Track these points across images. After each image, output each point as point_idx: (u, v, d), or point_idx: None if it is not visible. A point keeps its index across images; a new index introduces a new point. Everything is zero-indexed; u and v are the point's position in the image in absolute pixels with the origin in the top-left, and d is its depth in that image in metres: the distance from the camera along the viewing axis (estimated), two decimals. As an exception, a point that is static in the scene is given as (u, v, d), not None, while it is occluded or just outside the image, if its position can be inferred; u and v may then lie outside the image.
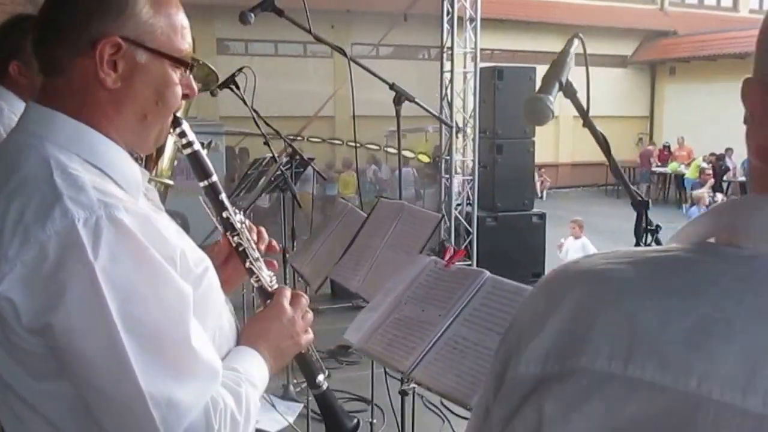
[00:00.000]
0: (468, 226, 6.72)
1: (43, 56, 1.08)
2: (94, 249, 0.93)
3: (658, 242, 1.56)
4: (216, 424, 1.02)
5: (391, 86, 2.94)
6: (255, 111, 3.97)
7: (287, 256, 3.61)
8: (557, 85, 1.44)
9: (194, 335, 1.01)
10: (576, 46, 1.53)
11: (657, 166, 17.34)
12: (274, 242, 1.41)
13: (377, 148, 15.17)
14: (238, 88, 3.92)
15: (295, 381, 4.27)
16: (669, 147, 17.78)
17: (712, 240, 0.59)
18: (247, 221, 1.35)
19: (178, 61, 1.11)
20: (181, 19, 1.13)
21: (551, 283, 0.64)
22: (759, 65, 0.58)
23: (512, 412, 0.60)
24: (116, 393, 0.97)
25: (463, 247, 6.57)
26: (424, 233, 1.96)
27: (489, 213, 6.81)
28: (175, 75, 1.12)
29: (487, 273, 1.74)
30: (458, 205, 6.81)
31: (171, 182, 2.00)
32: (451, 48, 6.51)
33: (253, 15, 2.51)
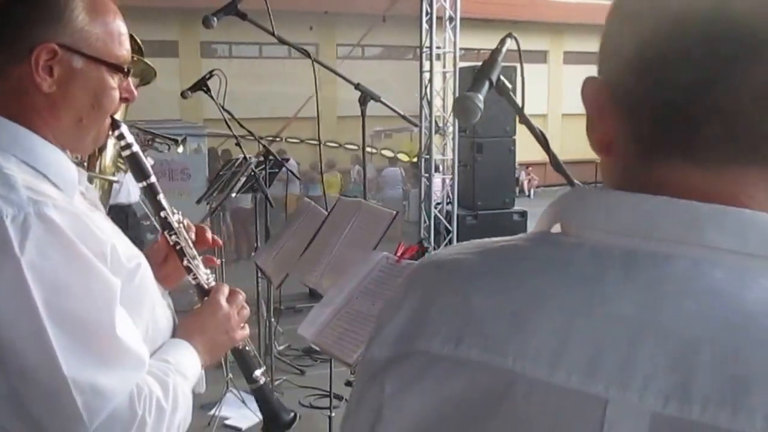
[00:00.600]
0: (448, 225, 6.76)
1: None
2: (20, 244, 0.98)
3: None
4: (140, 411, 1.06)
5: (356, 86, 2.98)
6: (228, 112, 4.01)
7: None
8: (487, 84, 1.47)
9: (120, 325, 1.06)
10: (509, 45, 1.57)
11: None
12: (217, 238, 1.47)
13: (356, 147, 15.22)
14: (208, 90, 3.94)
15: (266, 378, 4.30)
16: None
17: (556, 229, 0.62)
18: (186, 221, 1.40)
19: (114, 67, 1.16)
20: (119, 26, 1.19)
21: (412, 274, 0.67)
22: (598, 63, 0.61)
23: (362, 391, 0.63)
24: (42, 380, 1.00)
25: (443, 245, 6.60)
26: (379, 230, 1.99)
27: (469, 212, 6.85)
28: (112, 80, 1.18)
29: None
30: (438, 204, 6.85)
31: (115, 179, 2.04)
32: (430, 48, 6.55)
33: (215, 19, 2.54)
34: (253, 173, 4.52)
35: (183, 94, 3.92)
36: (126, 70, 1.19)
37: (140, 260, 1.17)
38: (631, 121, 0.58)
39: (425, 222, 6.86)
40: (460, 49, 6.67)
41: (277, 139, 12.20)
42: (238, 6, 2.57)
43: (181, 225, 1.36)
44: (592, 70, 0.62)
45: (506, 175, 7.07)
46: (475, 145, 6.81)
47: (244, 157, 4.54)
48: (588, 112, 0.61)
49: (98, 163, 1.91)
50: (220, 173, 4.76)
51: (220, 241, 1.48)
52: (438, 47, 6.62)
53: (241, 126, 4.05)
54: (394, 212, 2.06)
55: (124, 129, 1.27)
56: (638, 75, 0.56)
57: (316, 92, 2.89)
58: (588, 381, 0.51)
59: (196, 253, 1.38)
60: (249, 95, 12.68)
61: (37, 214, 1.00)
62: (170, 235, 1.35)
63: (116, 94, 1.19)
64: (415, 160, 10.52)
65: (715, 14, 0.53)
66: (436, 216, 6.82)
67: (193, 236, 1.39)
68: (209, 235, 1.43)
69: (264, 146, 4.44)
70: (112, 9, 1.19)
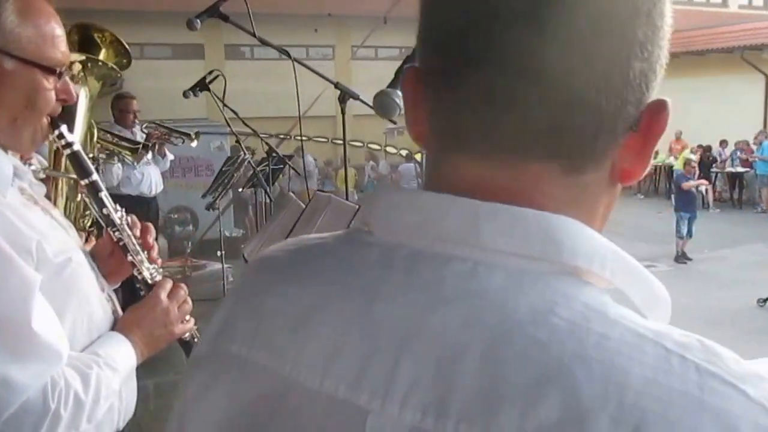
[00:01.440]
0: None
1: None
2: None
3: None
4: (53, 404, 1.07)
5: (336, 85, 3.17)
6: (233, 111, 4.21)
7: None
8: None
9: (36, 319, 1.07)
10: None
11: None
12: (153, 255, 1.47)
13: (360, 145, 15.38)
14: (209, 90, 4.16)
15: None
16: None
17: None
18: (130, 218, 1.43)
19: (46, 69, 1.19)
20: (53, 28, 1.21)
21: (245, 268, 0.67)
22: (416, 52, 0.56)
23: (184, 384, 0.62)
24: None
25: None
26: (344, 222, 2.19)
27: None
28: (47, 81, 1.20)
29: None
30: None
31: (73, 176, 2.12)
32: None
33: (199, 21, 2.70)
34: (253, 170, 4.71)
35: (185, 94, 4.16)
36: (59, 72, 1.21)
37: (71, 255, 1.21)
38: (432, 110, 0.54)
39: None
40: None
41: (297, 137, 12.52)
42: (221, 8, 2.74)
43: (124, 222, 1.40)
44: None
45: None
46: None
47: (244, 155, 4.72)
48: (403, 100, 0.58)
49: (63, 161, 1.95)
50: (222, 169, 4.98)
51: (158, 260, 1.48)
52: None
53: (246, 125, 4.24)
54: (357, 206, 2.20)
55: (63, 129, 1.30)
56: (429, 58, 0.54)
57: (297, 92, 3.10)
58: (354, 391, 0.48)
59: (140, 249, 1.40)
60: (269, 94, 13.43)
61: None
62: (113, 232, 1.39)
63: (51, 95, 1.21)
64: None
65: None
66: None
67: (138, 233, 1.42)
68: (151, 238, 1.45)
69: (267, 143, 4.62)
70: (45, 12, 1.21)
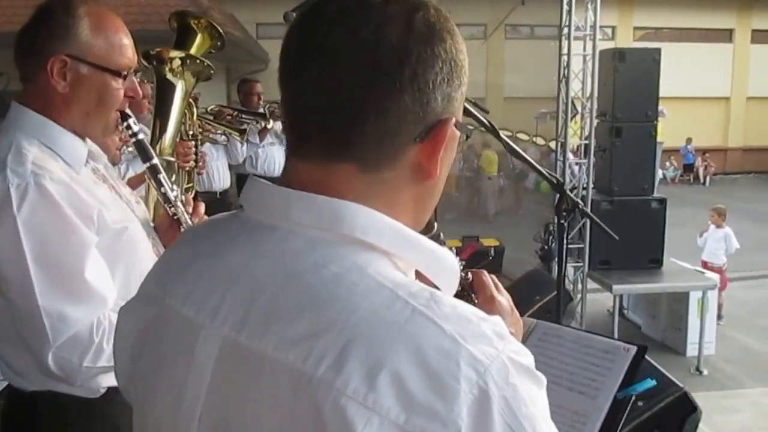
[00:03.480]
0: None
1: (20, 68, 1.48)
2: (19, 206, 1.32)
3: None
4: (97, 339, 1.35)
5: None
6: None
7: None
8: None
9: (89, 270, 1.37)
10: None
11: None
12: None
13: (509, 134, 14.94)
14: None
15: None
16: None
17: None
18: (185, 197, 1.71)
19: (114, 72, 1.48)
20: (120, 39, 1.50)
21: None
22: None
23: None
24: (23, 306, 1.36)
25: (576, 229, 6.54)
26: None
27: (605, 197, 6.71)
28: (115, 82, 1.48)
29: (532, 319, 1.54)
30: (574, 188, 6.77)
31: (172, 159, 2.33)
32: (569, 28, 6.45)
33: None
34: None
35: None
36: (124, 75, 1.49)
37: (128, 224, 1.48)
38: (283, 122, 0.78)
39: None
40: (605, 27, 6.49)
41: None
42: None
43: (178, 200, 1.65)
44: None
45: (645, 161, 6.80)
46: (614, 130, 6.64)
47: None
48: None
49: (160, 139, 2.26)
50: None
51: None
52: (578, 28, 6.48)
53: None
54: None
55: (131, 121, 1.59)
56: None
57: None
58: (197, 313, 0.74)
59: (191, 222, 1.65)
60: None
61: (35, 183, 1.34)
62: (169, 208, 1.65)
63: (119, 93, 1.50)
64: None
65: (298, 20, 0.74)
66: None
67: (190, 210, 1.68)
68: (201, 210, 1.72)
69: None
70: (114, 25, 1.49)
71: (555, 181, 1.69)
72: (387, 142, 0.71)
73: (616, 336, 5.46)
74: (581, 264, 6.59)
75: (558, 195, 1.65)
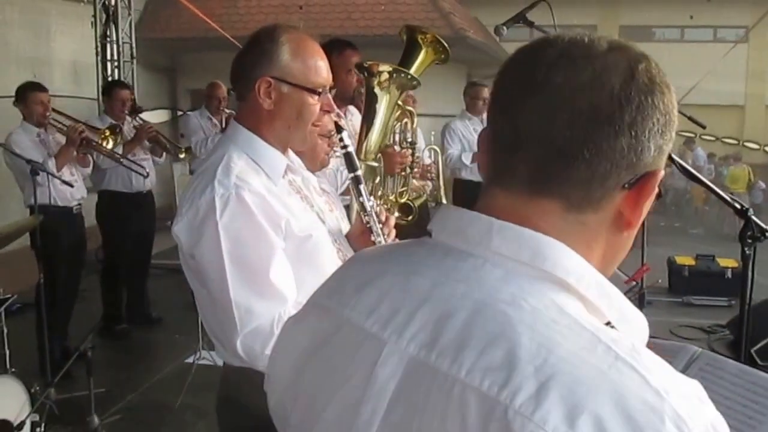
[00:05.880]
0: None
1: (236, 90, 1.75)
2: (221, 213, 1.55)
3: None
4: (277, 331, 1.51)
5: None
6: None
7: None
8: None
9: (274, 271, 1.57)
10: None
11: None
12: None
13: (735, 142, 13.52)
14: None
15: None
16: None
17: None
18: (380, 208, 1.87)
19: (311, 90, 1.68)
20: (316, 60, 1.70)
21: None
22: None
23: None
24: (218, 297, 1.58)
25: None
26: None
27: None
28: (311, 99, 1.69)
29: (696, 348, 1.51)
30: None
31: (376, 164, 2.48)
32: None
33: (505, 28, 2.80)
34: None
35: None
36: (319, 92, 1.69)
37: (312, 232, 1.67)
38: (486, 151, 0.78)
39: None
40: None
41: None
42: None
43: (373, 211, 1.82)
44: None
45: None
46: None
47: None
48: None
49: (364, 145, 2.45)
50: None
51: (393, 233, 1.89)
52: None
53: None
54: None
55: (344, 135, 1.82)
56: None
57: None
58: (382, 328, 0.73)
59: (381, 233, 1.80)
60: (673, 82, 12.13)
61: (236, 194, 1.56)
62: (364, 216, 1.82)
63: (315, 108, 1.70)
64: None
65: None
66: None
67: (383, 219, 1.85)
68: (392, 222, 1.88)
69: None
70: (311, 49, 1.70)
71: (739, 207, 1.63)
72: (596, 184, 0.71)
73: None
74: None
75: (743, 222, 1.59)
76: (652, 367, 0.63)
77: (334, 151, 2.07)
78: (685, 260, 6.84)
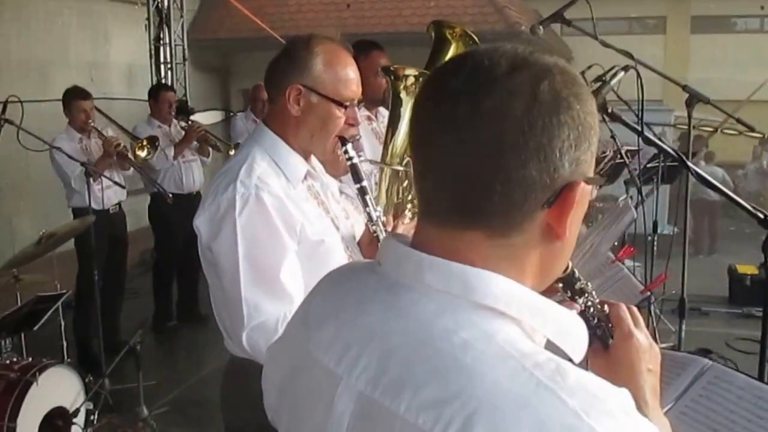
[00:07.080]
0: None
1: (268, 93, 1.82)
2: (240, 212, 1.63)
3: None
4: (280, 329, 1.51)
5: (683, 87, 2.92)
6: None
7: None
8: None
9: (284, 272, 1.64)
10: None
11: None
12: None
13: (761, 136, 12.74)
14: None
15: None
16: None
17: None
18: (386, 217, 1.91)
19: (338, 103, 1.73)
20: (347, 73, 1.74)
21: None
22: None
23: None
24: (230, 291, 1.67)
25: None
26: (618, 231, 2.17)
27: None
28: (339, 111, 1.74)
29: (707, 360, 1.50)
30: None
31: (400, 168, 2.44)
32: None
33: (542, 27, 2.77)
34: (623, 162, 4.57)
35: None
36: (347, 105, 1.73)
37: (325, 238, 1.73)
38: (413, 184, 0.82)
39: None
40: None
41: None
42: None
43: (379, 220, 1.86)
44: None
45: None
46: None
47: (617, 151, 4.51)
48: None
49: (389, 148, 2.44)
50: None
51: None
52: None
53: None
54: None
55: (348, 146, 1.83)
56: None
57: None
58: (337, 365, 0.77)
59: None
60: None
61: (255, 195, 1.64)
62: (371, 226, 1.87)
63: (340, 121, 1.74)
64: None
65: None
66: None
67: (390, 229, 1.90)
68: (399, 230, 1.94)
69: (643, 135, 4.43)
70: (344, 61, 1.74)
71: (762, 216, 1.59)
72: (514, 211, 0.73)
73: None
74: None
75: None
76: (575, 388, 0.65)
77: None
78: (748, 269, 6.63)
